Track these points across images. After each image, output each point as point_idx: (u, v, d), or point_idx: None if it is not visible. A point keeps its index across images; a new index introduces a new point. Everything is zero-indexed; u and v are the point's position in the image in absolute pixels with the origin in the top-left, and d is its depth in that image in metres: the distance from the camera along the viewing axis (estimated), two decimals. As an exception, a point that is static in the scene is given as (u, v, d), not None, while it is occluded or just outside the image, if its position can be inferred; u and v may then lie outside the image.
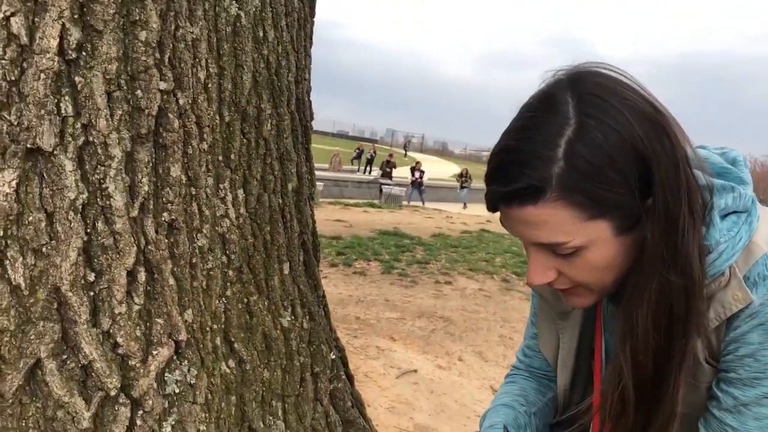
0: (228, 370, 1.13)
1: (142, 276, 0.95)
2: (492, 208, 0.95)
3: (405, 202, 15.29)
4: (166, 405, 0.98)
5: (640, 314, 0.92)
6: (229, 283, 1.15)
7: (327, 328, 1.41)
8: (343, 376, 1.40)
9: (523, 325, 4.82)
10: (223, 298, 1.14)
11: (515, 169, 0.87)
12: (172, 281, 1.00)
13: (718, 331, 0.93)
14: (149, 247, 0.97)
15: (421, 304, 4.77)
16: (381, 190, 16.03)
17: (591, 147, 0.85)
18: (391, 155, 18.74)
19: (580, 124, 0.85)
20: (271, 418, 1.22)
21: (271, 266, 1.24)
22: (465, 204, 16.95)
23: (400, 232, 7.75)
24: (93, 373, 0.88)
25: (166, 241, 1.00)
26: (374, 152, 18.17)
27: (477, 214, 12.33)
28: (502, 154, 0.89)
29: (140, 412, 0.91)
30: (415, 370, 3.49)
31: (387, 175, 17.93)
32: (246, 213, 1.20)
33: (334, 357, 1.39)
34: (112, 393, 0.89)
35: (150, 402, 0.92)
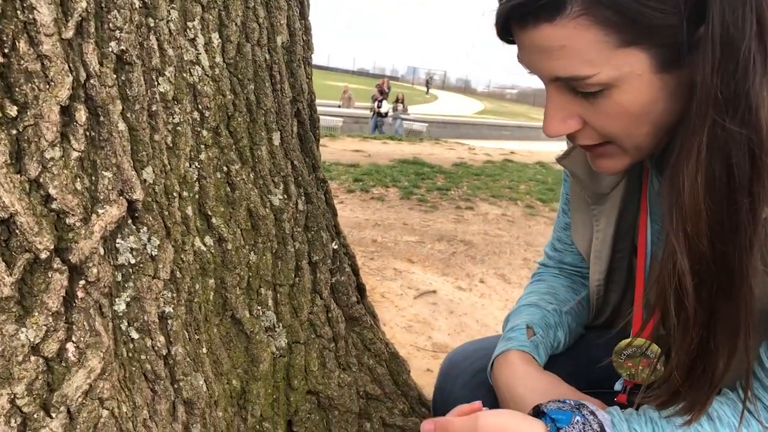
0: (204, 248, 0.95)
1: (81, 115, 0.75)
2: (501, 29, 0.73)
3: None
4: (119, 278, 0.80)
5: (687, 174, 0.70)
6: (203, 146, 0.95)
7: (328, 215, 1.22)
8: (348, 269, 1.21)
9: (547, 250, 4.60)
10: (196, 162, 0.94)
11: None
12: (122, 127, 0.80)
13: None
14: (91, 81, 0.77)
15: (441, 228, 4.58)
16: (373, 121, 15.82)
17: None
18: (401, 95, 18.35)
19: None
20: (259, 307, 1.04)
21: (257, 133, 1.04)
22: (401, 134, 16.23)
23: (420, 161, 7.51)
24: (17, 230, 0.69)
25: (114, 76, 0.80)
26: (388, 88, 17.82)
27: (499, 147, 11.99)
28: None
29: (82, 282, 0.73)
30: (434, 291, 3.33)
31: (398, 110, 17.58)
32: (223, 63, 0.99)
33: (336, 247, 1.20)
34: (43, 256, 0.70)
35: (94, 270, 0.74)
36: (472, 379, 1.21)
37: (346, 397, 1.12)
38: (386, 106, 16.80)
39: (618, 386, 0.95)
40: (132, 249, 0.80)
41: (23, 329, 0.68)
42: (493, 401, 1.15)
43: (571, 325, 1.19)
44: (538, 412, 0.85)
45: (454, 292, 3.36)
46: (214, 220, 0.97)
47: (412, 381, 1.30)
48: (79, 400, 0.70)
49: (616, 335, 1.04)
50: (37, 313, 0.69)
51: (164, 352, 0.82)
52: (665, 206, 0.74)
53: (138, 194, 0.80)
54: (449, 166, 7.52)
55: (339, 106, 20.27)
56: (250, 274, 1.02)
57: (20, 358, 0.67)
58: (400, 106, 17.58)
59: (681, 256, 0.71)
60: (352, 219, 4.52)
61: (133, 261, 0.80)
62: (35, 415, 0.67)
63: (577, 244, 1.22)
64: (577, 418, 0.85)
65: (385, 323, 2.82)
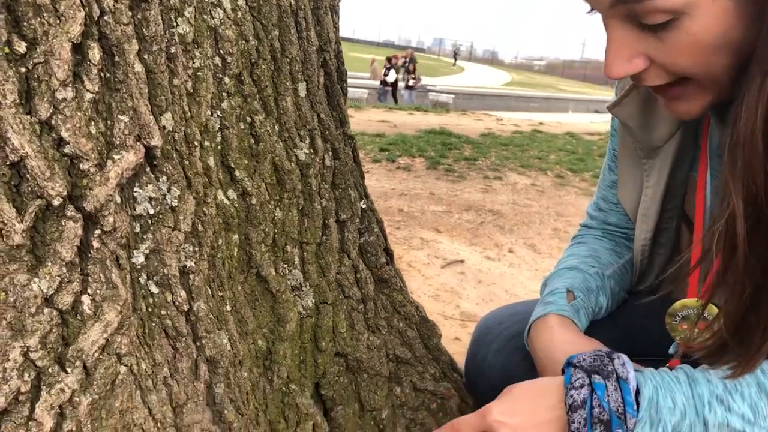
0: (227, 202, 0.90)
1: (95, 54, 0.70)
2: None
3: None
4: (138, 229, 0.76)
5: (747, 105, 0.63)
6: (225, 94, 0.90)
7: (356, 173, 1.16)
8: (376, 230, 1.16)
9: (579, 220, 4.45)
10: (218, 111, 0.89)
11: None
12: (139, 68, 0.75)
13: None
14: (105, 18, 0.72)
15: (469, 198, 4.51)
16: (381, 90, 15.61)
17: None
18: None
19: None
20: (285, 266, 0.99)
21: (281, 83, 0.98)
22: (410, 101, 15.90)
23: (447, 131, 7.40)
24: (27, 175, 0.65)
25: (130, 14, 0.74)
26: (408, 59, 17.68)
27: (528, 118, 11.78)
28: None
29: (97, 231, 0.69)
30: (462, 261, 3.27)
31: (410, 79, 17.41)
32: (246, 6, 0.93)
33: (364, 206, 1.15)
34: (55, 202, 0.66)
35: (110, 219, 0.69)
36: (507, 344, 1.15)
37: (375, 359, 1.08)
38: (393, 76, 16.70)
39: (672, 350, 0.89)
40: (151, 198, 0.75)
41: (36, 279, 0.64)
42: (528, 368, 1.09)
43: (614, 290, 1.13)
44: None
45: (482, 262, 3.30)
46: (237, 172, 0.92)
47: (443, 347, 1.25)
48: (96, 355, 0.66)
49: (662, 300, 0.98)
50: (50, 263, 0.65)
51: (185, 307, 0.78)
52: (727, 154, 0.67)
53: (156, 140, 0.76)
54: (477, 137, 7.41)
55: (369, 78, 20.10)
56: (276, 230, 0.98)
57: (33, 310, 0.64)
58: (410, 77, 17.41)
59: (735, 198, 0.65)
60: (377, 188, 4.47)
61: (152, 211, 0.76)
62: (50, 370, 0.64)
63: (624, 202, 1.16)
64: (593, 355, 0.79)
65: (412, 292, 2.78)
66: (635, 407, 0.70)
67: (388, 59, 16.89)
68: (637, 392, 0.72)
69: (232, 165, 0.91)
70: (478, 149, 6.47)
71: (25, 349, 0.63)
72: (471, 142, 6.93)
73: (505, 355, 1.12)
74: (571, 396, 0.72)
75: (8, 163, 0.64)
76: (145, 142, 0.75)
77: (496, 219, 4.05)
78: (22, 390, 0.62)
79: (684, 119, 0.84)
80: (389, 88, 16.75)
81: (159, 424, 0.71)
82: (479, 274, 3.12)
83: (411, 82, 17.44)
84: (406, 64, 17.42)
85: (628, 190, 1.13)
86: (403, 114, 9.80)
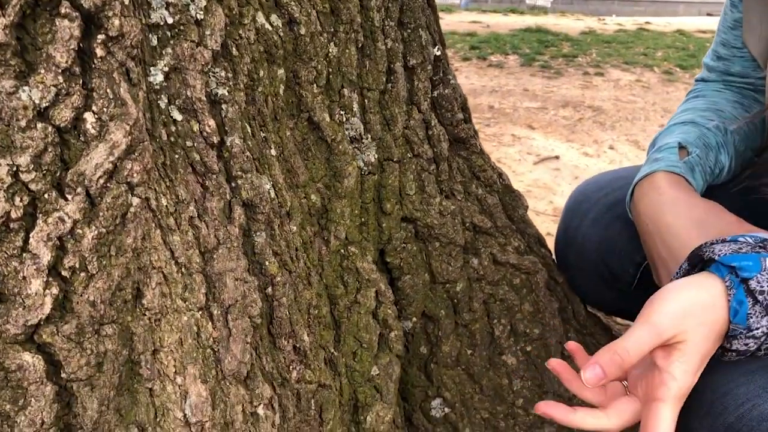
0: (270, 28, 0.76)
1: None
2: None
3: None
4: (155, 42, 0.63)
5: None
6: None
7: (429, 14, 0.99)
8: (452, 81, 0.99)
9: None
10: None
11: None
12: None
13: None
14: None
15: (566, 94, 4.19)
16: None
17: None
18: None
19: None
20: (342, 112, 0.85)
21: None
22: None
23: (544, 29, 6.92)
24: (9, -41, 0.53)
25: None
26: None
27: (633, 18, 10.86)
28: None
29: (101, 36, 0.57)
30: (557, 157, 3.05)
31: None
32: None
33: (438, 53, 0.98)
34: (45, -5, 0.54)
35: (116, 22, 0.57)
36: (607, 213, 0.98)
37: (449, 226, 0.94)
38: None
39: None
40: (168, 4, 0.62)
41: (25, 88, 0.53)
42: (629, 238, 0.92)
43: (739, 148, 0.93)
44: (702, 260, 0.61)
45: (579, 158, 3.06)
46: (281, -7, 0.77)
47: (530, 220, 1.10)
48: (100, 181, 0.55)
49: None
50: (42, 70, 0.54)
51: (215, 139, 0.66)
52: None
53: (171, -68, 0.62)
54: (576, 35, 6.88)
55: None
56: (330, 69, 0.83)
57: (23, 124, 0.53)
58: None
59: None
60: (467, 86, 4.23)
61: (170, 20, 0.63)
62: (45, 195, 0.54)
63: (749, 44, 0.93)
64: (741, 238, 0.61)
65: (501, 186, 2.60)
66: None
67: None
68: None
69: (275, -17, 0.77)
70: (577, 46, 6.00)
71: (15, 169, 0.52)
72: (570, 39, 6.43)
73: (603, 226, 0.96)
74: (757, 280, 0.55)
75: (-16, -57, 0.52)
76: (156, -67, 0.61)
77: (596, 115, 3.75)
78: (13, 215, 0.52)
79: None
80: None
81: (183, 269, 0.61)
82: (575, 170, 2.89)
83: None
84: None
85: (754, 29, 0.91)
86: (497, 15, 9.26)
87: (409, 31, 0.93)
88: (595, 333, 1.04)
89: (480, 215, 0.98)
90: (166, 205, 0.61)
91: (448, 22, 7.64)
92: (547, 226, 2.31)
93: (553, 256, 1.08)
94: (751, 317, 0.54)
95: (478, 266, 0.97)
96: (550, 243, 2.30)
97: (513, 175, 2.80)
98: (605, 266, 0.97)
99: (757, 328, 0.55)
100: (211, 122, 0.65)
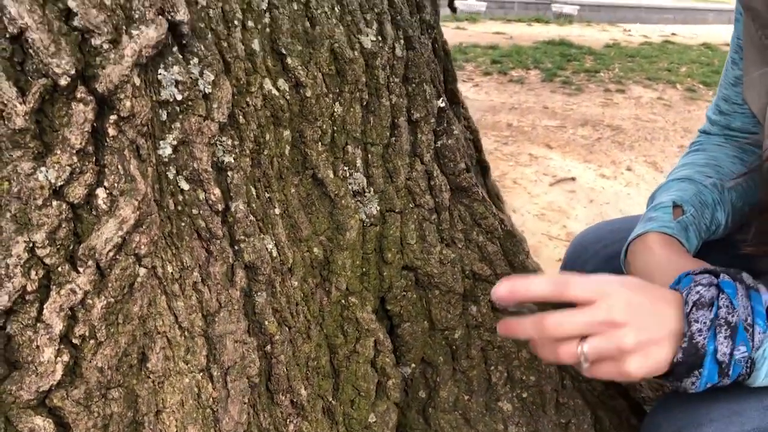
0: (276, 93, 0.80)
1: None
2: None
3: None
4: (164, 117, 0.67)
5: None
6: (273, -33, 0.78)
7: (433, 66, 1.02)
8: (456, 132, 1.03)
9: (709, 137, 4.01)
10: (265, -12, 0.78)
11: None
12: (160, -71, 0.64)
13: None
14: None
15: (586, 112, 4.19)
16: None
17: None
18: None
19: None
20: (346, 168, 0.89)
21: (343, -43, 0.85)
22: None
23: (568, 42, 6.91)
24: (30, 50, 0.57)
25: None
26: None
27: (659, 29, 10.77)
28: None
29: (113, 117, 0.61)
30: (573, 178, 3.06)
31: None
32: None
33: (443, 105, 1.01)
34: (62, 82, 0.58)
35: (127, 104, 0.61)
36: (604, 266, 1.01)
37: (448, 275, 0.97)
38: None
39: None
40: (177, 82, 0.67)
41: (42, 168, 0.58)
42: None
43: (736, 204, 0.95)
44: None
45: (596, 180, 3.07)
46: (289, 60, 0.81)
47: (533, 263, 1.12)
48: (110, 254, 0.60)
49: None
50: (59, 151, 0.58)
51: (220, 207, 0.70)
52: None
53: (182, 14, 0.66)
54: (600, 48, 6.86)
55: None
56: (335, 128, 0.87)
57: (39, 202, 0.57)
58: None
59: None
60: (486, 102, 4.25)
61: (179, 97, 0.67)
62: (59, 268, 0.58)
63: (750, 101, 0.95)
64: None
65: (515, 210, 2.63)
66: (767, 320, 0.58)
67: None
68: None
69: (283, 51, 0.81)
70: (600, 60, 5.98)
71: (31, 245, 0.57)
72: (593, 53, 6.42)
73: (599, 279, 0.98)
74: (698, 292, 0.61)
75: (8, 35, 0.57)
76: (168, 17, 0.65)
77: (615, 135, 3.74)
78: (29, 289, 0.56)
79: None
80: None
81: (186, 333, 0.65)
82: (591, 192, 2.90)
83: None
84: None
85: (754, 87, 0.93)
86: (521, 25, 9.25)
87: (414, 85, 0.97)
88: (592, 380, 1.06)
89: (480, 263, 1.01)
90: (172, 272, 0.66)
91: (471, 33, 7.66)
92: (560, 252, 2.33)
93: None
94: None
95: (476, 313, 1.00)
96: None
97: (528, 197, 2.82)
98: (601, 317, 0.99)
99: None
100: (217, 191, 0.69)
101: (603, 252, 1.00)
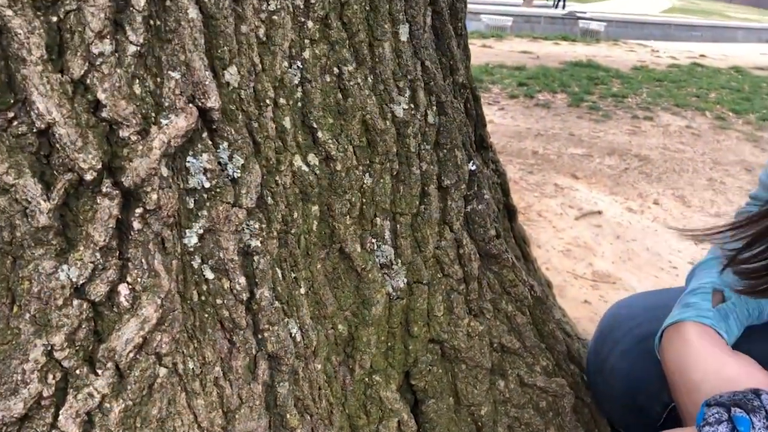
0: (306, 168, 0.78)
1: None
2: None
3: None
4: (191, 205, 0.65)
5: None
6: (307, 41, 0.76)
7: (466, 129, 1.00)
8: (486, 197, 1.00)
9: (738, 170, 3.93)
10: (298, 62, 0.76)
11: None
12: (194, 14, 0.63)
13: None
14: (152, -47, 0.60)
15: (613, 140, 4.13)
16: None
17: None
18: None
19: None
20: (374, 240, 0.86)
21: (378, 25, 0.83)
22: None
23: (595, 64, 6.84)
24: (57, 144, 0.55)
25: (183, -53, 0.62)
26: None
27: (687, 50, 10.65)
28: None
29: (138, 210, 0.59)
30: (600, 212, 3.00)
31: None
32: (335, -67, 0.78)
33: (473, 168, 0.98)
34: (88, 177, 0.56)
35: (154, 197, 0.59)
36: (637, 346, 0.97)
37: (476, 349, 0.94)
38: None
39: None
40: (206, 170, 0.64)
41: (64, 267, 0.56)
42: (659, 378, 0.90)
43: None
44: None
45: (622, 214, 3.01)
46: (320, 134, 0.79)
47: (561, 333, 1.08)
48: (130, 355, 0.57)
49: None
50: (81, 248, 0.56)
51: (245, 296, 0.67)
52: None
53: (213, 101, 0.64)
54: (627, 70, 6.78)
55: (521, 5, 19.05)
56: (364, 200, 0.85)
57: (60, 302, 0.55)
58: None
59: None
60: (512, 128, 4.20)
61: (207, 185, 0.65)
62: (77, 371, 0.56)
63: None
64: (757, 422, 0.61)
65: (540, 246, 2.58)
66: None
67: None
68: None
69: (314, 125, 0.78)
70: (628, 84, 5.91)
71: (49, 348, 0.55)
72: (621, 76, 6.34)
73: (632, 360, 0.94)
74: None
75: (35, 130, 0.55)
76: (199, 103, 0.63)
77: (642, 165, 3.68)
78: (45, 394, 0.54)
79: None
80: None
81: (206, 432, 0.63)
82: (618, 228, 2.84)
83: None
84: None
85: None
86: (548, 44, 9.19)
87: (445, 151, 0.94)
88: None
89: (509, 335, 0.98)
90: (193, 368, 0.63)
91: (497, 51, 7.63)
92: (585, 293, 2.28)
93: (583, 374, 1.07)
94: None
95: (504, 389, 0.96)
96: (587, 311, 2.25)
97: (553, 231, 2.77)
98: (632, 400, 0.95)
99: None
100: (242, 279, 0.67)
101: (636, 331, 0.96)
